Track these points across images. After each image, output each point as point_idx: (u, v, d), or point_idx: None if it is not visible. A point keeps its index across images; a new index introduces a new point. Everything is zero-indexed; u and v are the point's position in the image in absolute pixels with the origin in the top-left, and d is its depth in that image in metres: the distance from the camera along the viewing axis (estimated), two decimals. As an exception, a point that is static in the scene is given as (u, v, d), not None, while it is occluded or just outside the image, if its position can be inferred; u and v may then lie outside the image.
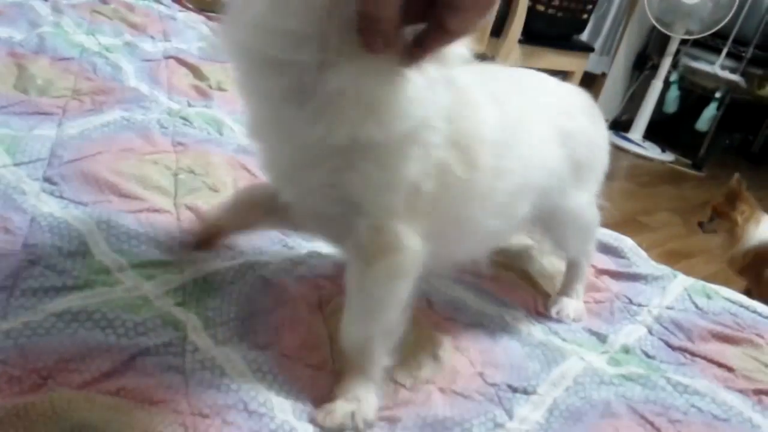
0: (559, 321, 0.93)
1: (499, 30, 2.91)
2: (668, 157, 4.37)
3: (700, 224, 2.53)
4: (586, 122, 0.87)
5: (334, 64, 0.56)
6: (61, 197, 0.80)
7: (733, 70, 4.23)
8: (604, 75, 4.46)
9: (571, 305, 0.95)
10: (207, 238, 0.81)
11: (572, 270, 0.98)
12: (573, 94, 0.91)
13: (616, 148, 4.23)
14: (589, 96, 0.93)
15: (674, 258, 2.63)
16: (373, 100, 0.57)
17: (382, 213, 0.65)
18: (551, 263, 1.06)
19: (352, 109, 0.57)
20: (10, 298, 0.62)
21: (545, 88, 0.88)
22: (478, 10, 0.50)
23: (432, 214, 0.67)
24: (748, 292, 1.87)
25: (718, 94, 4.25)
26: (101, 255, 0.70)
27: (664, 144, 4.43)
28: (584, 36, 3.86)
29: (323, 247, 0.87)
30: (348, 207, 0.64)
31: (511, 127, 0.74)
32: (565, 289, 0.97)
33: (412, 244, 0.66)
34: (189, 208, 0.85)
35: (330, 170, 0.62)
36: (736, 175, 2.44)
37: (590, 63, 3.89)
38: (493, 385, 0.76)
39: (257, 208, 0.80)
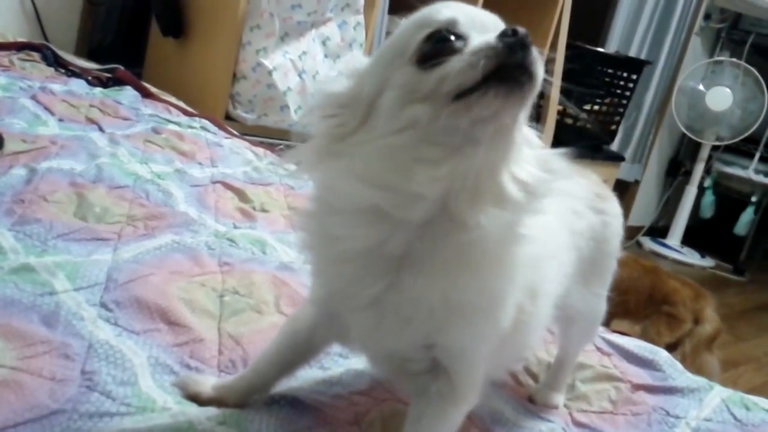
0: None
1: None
2: (708, 262, 4.32)
3: None
4: (594, 219, 0.85)
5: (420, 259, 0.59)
6: (116, 324, 0.86)
7: (767, 174, 4.25)
8: (637, 182, 4.51)
9: (559, 399, 0.97)
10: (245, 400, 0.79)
11: (563, 363, 0.99)
12: (581, 186, 0.87)
13: (654, 255, 4.23)
14: (599, 182, 0.92)
15: (720, 367, 2.56)
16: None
17: (475, 359, 0.67)
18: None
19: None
20: (70, 420, 0.67)
21: None
22: None
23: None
24: None
25: (754, 198, 4.26)
26: (148, 388, 0.76)
27: (702, 249, 4.40)
28: (614, 145, 3.94)
29: (358, 364, 0.90)
30: (438, 356, 0.65)
31: (542, 245, 0.72)
32: (553, 382, 0.98)
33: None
34: (231, 336, 0.90)
35: (425, 328, 0.62)
36: None
37: (623, 171, 3.94)
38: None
39: (297, 359, 0.80)
